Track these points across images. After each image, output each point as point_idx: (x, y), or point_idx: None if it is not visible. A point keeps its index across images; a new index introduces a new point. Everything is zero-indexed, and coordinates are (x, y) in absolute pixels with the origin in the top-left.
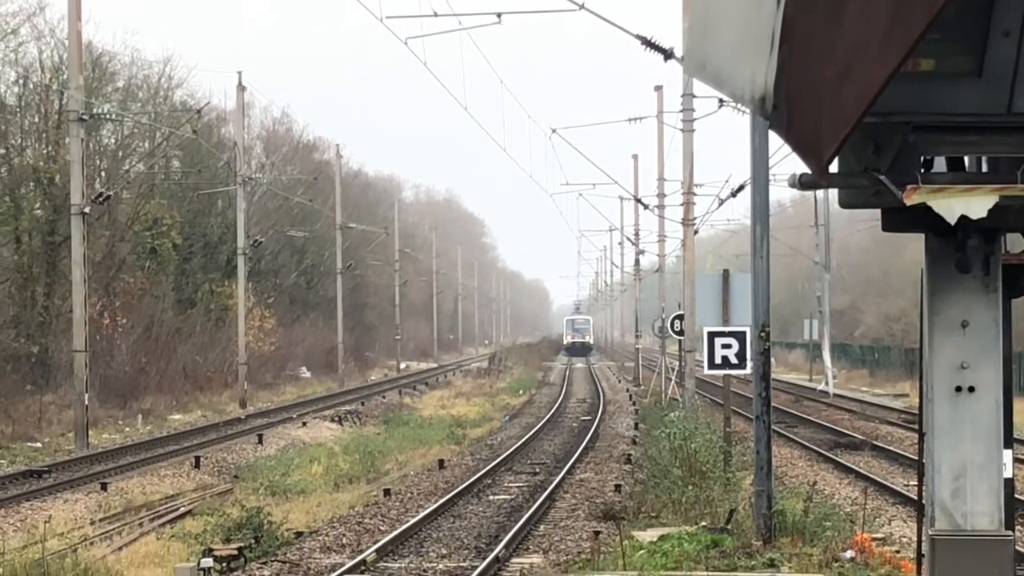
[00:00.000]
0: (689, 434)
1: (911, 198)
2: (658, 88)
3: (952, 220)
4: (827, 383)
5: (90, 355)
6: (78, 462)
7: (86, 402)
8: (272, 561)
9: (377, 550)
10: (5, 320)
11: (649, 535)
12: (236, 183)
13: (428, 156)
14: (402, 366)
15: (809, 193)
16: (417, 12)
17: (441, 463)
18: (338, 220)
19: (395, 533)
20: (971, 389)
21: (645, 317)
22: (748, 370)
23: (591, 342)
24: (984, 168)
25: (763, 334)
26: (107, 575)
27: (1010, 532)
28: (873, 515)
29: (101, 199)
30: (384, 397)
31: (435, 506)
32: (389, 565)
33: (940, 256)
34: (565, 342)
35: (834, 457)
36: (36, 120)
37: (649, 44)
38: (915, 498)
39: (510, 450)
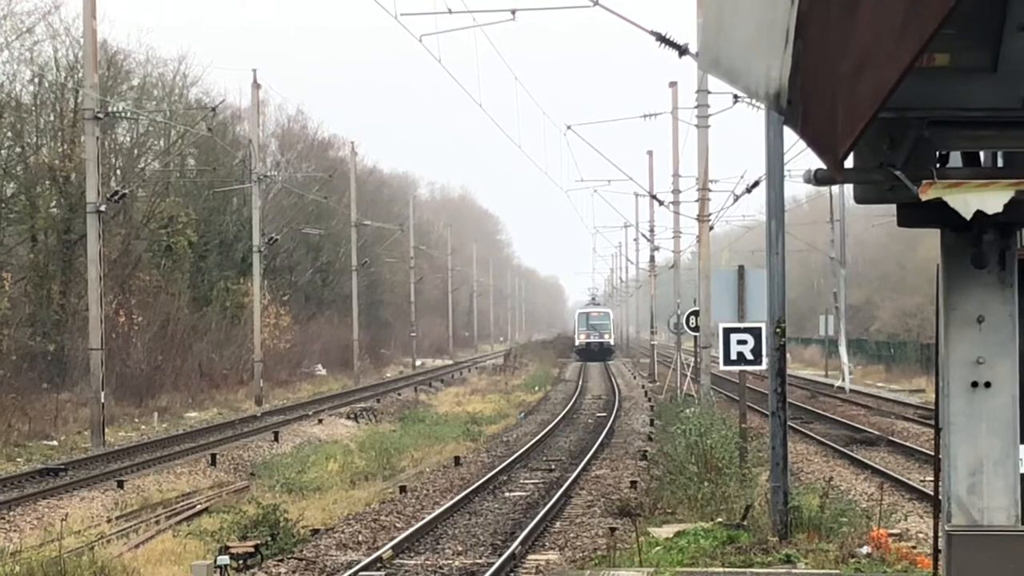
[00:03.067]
0: (705, 430)
1: (926, 193)
2: (673, 84)
3: (968, 215)
4: (844, 379)
5: (106, 353)
6: (94, 460)
7: (102, 400)
8: (288, 558)
9: (393, 547)
10: (21, 318)
11: (665, 531)
12: (251, 181)
13: (443, 153)
14: (417, 363)
15: (824, 188)
16: (432, 9)
17: (457, 460)
18: (353, 217)
19: (411, 530)
20: (987, 384)
21: (660, 313)
22: (764, 366)
23: (611, 342)
24: (1000, 163)
25: (779, 330)
26: (124, 573)
27: None
28: (889, 511)
29: (117, 197)
30: (400, 394)
31: (451, 503)
32: (405, 562)
33: (956, 251)
34: (577, 342)
35: (850, 453)
36: (51, 118)
37: (664, 40)
38: (931, 494)
39: (526, 447)
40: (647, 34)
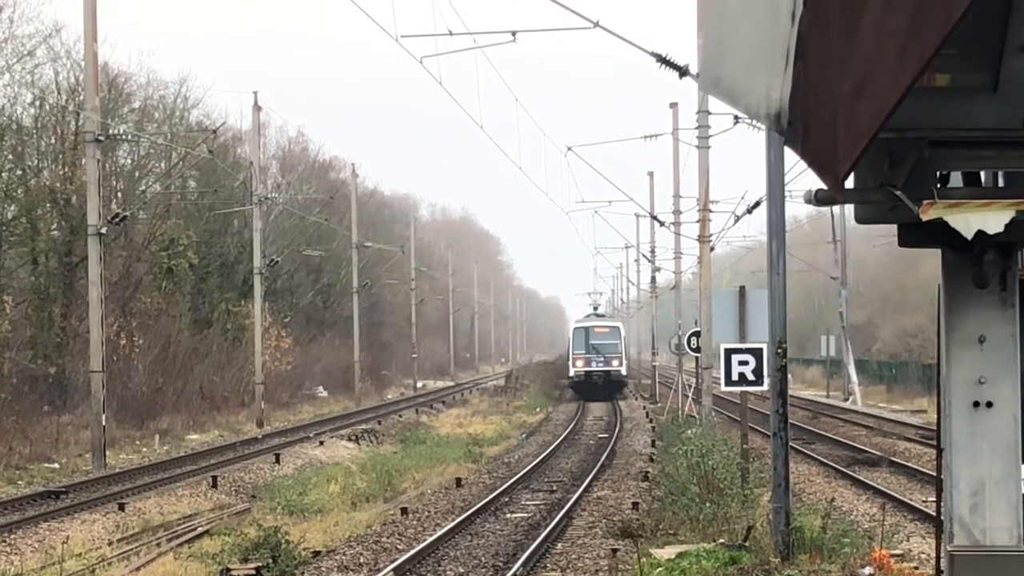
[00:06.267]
0: (706, 451)
1: (927, 213)
2: (673, 105)
3: (969, 235)
4: (855, 398)
5: (107, 375)
6: (96, 482)
7: (103, 422)
8: None
9: (395, 569)
10: (22, 341)
11: (667, 552)
12: (252, 203)
13: (444, 174)
14: (419, 384)
15: (825, 209)
16: (432, 31)
17: (458, 481)
18: (354, 239)
19: (413, 552)
20: (989, 404)
21: (661, 334)
22: (765, 387)
23: (622, 371)
24: (1000, 183)
25: (780, 350)
26: None
27: None
28: (892, 531)
29: (117, 220)
30: (401, 416)
31: (452, 524)
32: None
33: (957, 271)
34: (572, 371)
35: (852, 473)
36: (53, 141)
37: (664, 61)
38: (933, 514)
39: (527, 468)
40: (647, 55)
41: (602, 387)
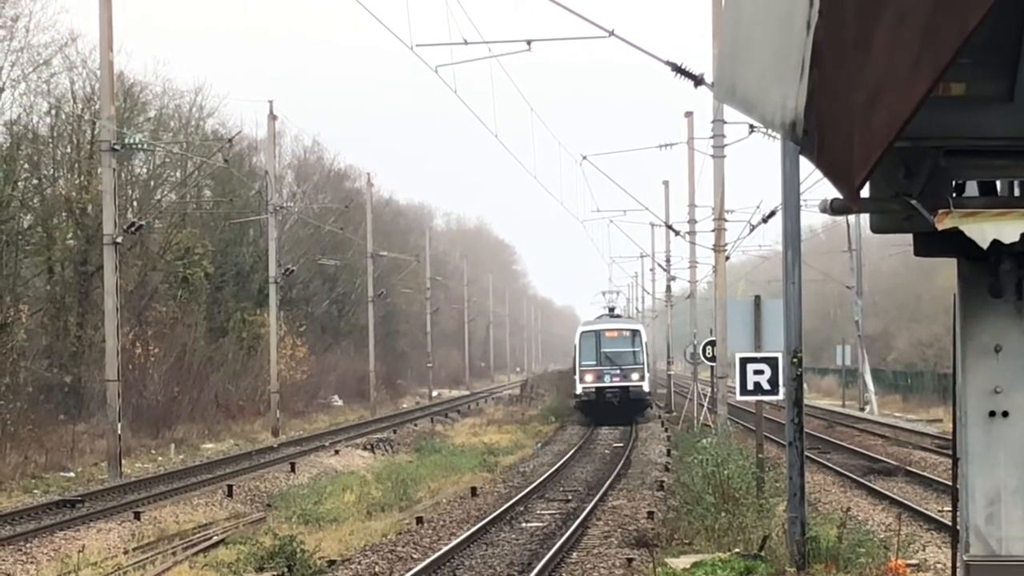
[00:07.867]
0: (722, 460)
1: (943, 223)
2: (688, 114)
3: (984, 244)
4: (872, 408)
5: (123, 384)
6: (111, 491)
7: (119, 431)
8: None
9: None
10: (38, 350)
11: (682, 562)
12: (267, 212)
13: (459, 184)
14: (434, 394)
15: (841, 218)
16: (447, 40)
17: (473, 491)
18: (369, 248)
19: (428, 561)
20: (1005, 414)
21: (676, 343)
22: (780, 396)
23: (645, 386)
24: (1016, 192)
25: (795, 360)
26: None
27: None
28: (907, 541)
29: (133, 229)
30: (416, 425)
31: (468, 534)
32: None
33: (972, 280)
34: (580, 388)
35: (867, 483)
36: (68, 150)
37: (679, 70)
38: (949, 524)
39: (542, 477)
40: (663, 64)
41: (618, 408)
